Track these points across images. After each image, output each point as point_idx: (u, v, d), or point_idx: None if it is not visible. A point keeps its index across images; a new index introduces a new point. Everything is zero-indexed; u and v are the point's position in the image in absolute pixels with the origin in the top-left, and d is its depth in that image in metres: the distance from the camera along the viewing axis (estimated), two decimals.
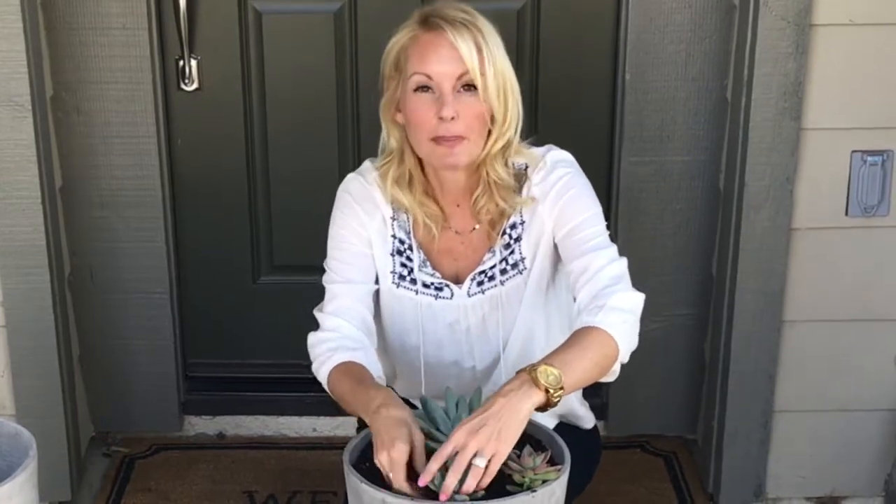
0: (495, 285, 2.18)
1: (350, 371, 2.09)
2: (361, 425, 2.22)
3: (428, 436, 1.92)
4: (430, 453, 1.87)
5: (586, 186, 2.16)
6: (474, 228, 2.18)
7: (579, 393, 2.34)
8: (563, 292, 2.24)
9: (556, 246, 2.16)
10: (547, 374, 1.88)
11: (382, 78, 2.13)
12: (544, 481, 1.85)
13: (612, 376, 2.05)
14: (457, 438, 1.83)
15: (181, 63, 3.01)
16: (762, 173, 2.75)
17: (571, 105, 3.02)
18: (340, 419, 3.18)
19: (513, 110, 2.07)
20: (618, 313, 2.01)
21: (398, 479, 1.85)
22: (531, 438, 1.96)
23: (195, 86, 3.03)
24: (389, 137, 2.14)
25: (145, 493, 3.04)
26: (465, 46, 2.01)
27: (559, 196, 2.13)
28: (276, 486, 3.06)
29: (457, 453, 1.83)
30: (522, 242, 2.17)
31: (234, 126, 3.11)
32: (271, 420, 3.29)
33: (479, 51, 2.02)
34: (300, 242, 3.20)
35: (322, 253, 2.93)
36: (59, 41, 2.85)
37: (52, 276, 2.83)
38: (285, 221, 3.19)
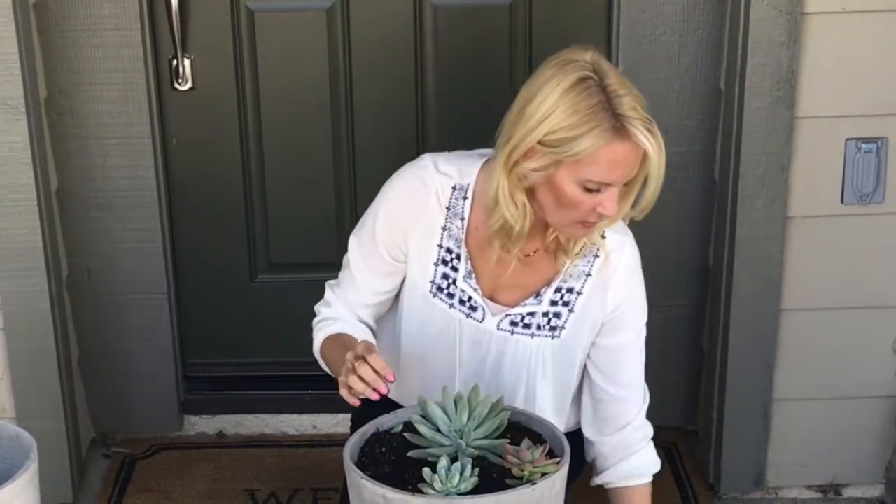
0: (524, 335, 2.18)
1: (341, 338, 2.14)
2: (355, 423, 2.22)
3: (429, 440, 1.92)
4: (432, 461, 1.87)
5: (644, 292, 2.23)
6: (535, 251, 2.15)
7: None
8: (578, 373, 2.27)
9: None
10: None
11: (513, 125, 1.98)
12: (544, 474, 1.85)
13: None
14: None
15: (174, 63, 3.01)
16: (757, 163, 2.75)
17: None
18: (340, 416, 3.18)
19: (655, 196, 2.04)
20: (655, 465, 2.30)
21: (375, 359, 1.92)
22: (529, 431, 1.97)
23: (189, 85, 3.03)
24: (505, 193, 2.01)
25: (146, 493, 3.05)
26: (657, 156, 1.96)
27: (624, 299, 2.19)
28: (278, 485, 3.06)
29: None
30: (573, 315, 2.17)
31: (228, 125, 3.11)
32: (271, 418, 3.29)
33: (660, 152, 1.98)
34: (297, 240, 3.20)
35: (319, 250, 2.92)
36: (52, 43, 2.85)
37: (50, 278, 2.83)
38: (281, 219, 3.18)
